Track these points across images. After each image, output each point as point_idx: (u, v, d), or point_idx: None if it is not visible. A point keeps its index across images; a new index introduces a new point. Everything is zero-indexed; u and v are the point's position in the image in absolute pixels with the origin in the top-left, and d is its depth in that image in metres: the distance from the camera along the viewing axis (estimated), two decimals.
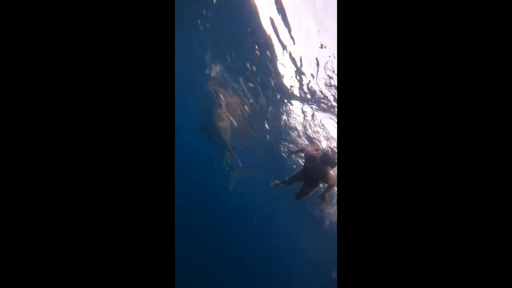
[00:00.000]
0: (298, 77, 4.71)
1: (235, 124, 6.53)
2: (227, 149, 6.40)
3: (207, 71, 5.34)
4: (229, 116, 6.00)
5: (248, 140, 7.63)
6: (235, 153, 6.76)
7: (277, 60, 4.56)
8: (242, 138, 7.39)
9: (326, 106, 5.11)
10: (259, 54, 4.53)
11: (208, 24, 4.39)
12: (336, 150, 2.94)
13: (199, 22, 4.42)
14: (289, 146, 3.84)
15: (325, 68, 4.14)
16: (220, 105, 5.20)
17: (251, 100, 5.93)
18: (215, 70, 5.33)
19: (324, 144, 5.59)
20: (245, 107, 6.17)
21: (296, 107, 5.52)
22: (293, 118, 5.95)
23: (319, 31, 3.73)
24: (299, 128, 6.11)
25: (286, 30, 4.02)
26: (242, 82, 5.52)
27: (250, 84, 5.41)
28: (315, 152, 3.25)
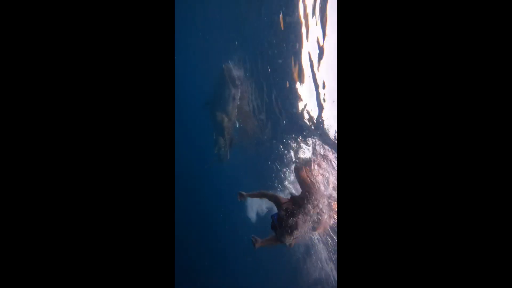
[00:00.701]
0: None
1: (239, 121, 6.24)
2: (224, 137, 6.12)
3: (230, 63, 5.12)
4: (238, 108, 5.72)
5: (247, 140, 7.32)
6: (230, 147, 6.46)
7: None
8: (243, 134, 7.09)
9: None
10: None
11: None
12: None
13: None
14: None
15: None
16: (237, 88, 4.88)
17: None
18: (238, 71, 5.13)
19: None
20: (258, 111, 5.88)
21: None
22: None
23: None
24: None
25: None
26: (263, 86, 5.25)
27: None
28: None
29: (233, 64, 5.18)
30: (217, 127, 6.11)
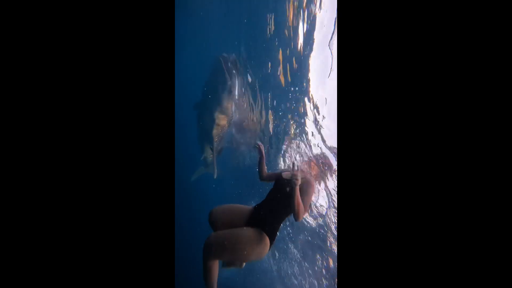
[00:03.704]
0: None
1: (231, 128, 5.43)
2: (210, 146, 5.31)
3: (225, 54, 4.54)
4: (233, 113, 4.91)
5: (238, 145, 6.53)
6: (216, 158, 5.61)
7: None
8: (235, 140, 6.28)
9: None
10: None
11: None
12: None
13: None
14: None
15: None
16: (230, 91, 4.30)
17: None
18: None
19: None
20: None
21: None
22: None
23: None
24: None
25: None
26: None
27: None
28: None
29: (230, 56, 4.57)
30: (204, 134, 5.33)
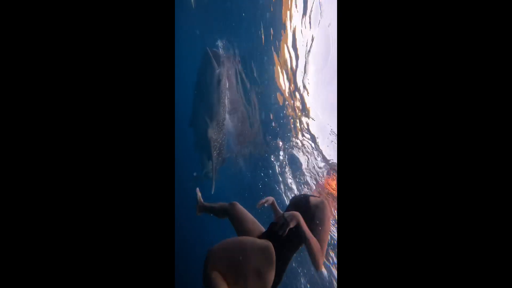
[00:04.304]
0: None
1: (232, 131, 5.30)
2: (210, 158, 5.06)
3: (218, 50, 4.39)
4: (227, 107, 4.74)
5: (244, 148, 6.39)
6: (216, 172, 5.27)
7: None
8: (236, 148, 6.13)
9: None
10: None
11: None
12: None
13: None
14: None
15: None
16: (219, 79, 4.11)
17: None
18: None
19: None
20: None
21: None
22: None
23: None
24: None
25: None
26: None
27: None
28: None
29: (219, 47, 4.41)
30: (200, 143, 5.12)
